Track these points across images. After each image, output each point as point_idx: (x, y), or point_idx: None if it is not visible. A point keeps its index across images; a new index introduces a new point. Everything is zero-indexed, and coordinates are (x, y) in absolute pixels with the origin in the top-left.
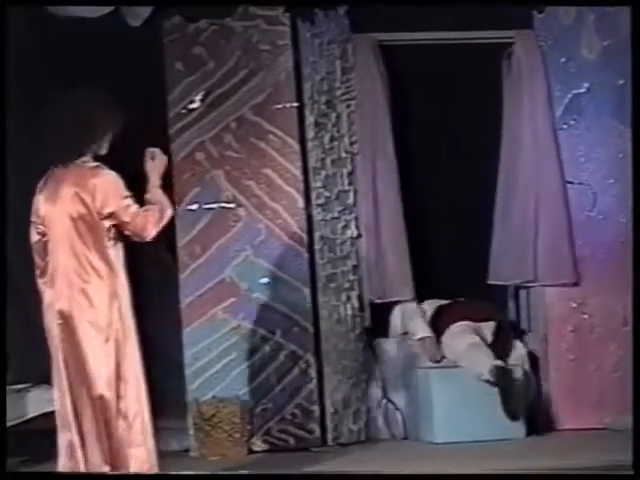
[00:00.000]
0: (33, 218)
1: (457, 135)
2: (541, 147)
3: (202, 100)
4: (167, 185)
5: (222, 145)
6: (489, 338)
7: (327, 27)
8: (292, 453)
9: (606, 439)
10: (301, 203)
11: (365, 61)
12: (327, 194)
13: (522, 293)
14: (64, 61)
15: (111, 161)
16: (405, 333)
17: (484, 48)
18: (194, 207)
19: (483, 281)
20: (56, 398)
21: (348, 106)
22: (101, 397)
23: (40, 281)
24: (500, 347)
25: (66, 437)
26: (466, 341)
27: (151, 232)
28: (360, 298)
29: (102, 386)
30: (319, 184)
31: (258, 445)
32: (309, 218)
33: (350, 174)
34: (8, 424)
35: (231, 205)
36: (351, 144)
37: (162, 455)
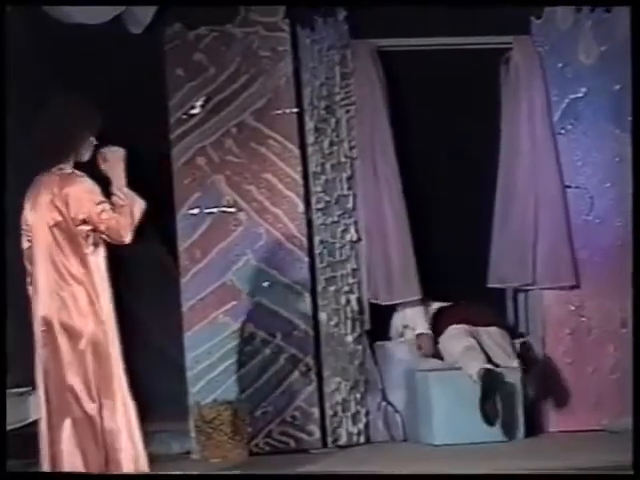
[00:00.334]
0: (23, 226)
1: (456, 140)
2: (539, 151)
3: (203, 106)
4: (168, 188)
5: (223, 150)
6: (487, 342)
7: (326, 33)
8: (292, 455)
9: (604, 440)
10: (301, 207)
11: (364, 66)
12: (327, 198)
13: (520, 296)
14: (65, 67)
15: None
16: (405, 326)
17: (482, 53)
18: (195, 211)
19: (483, 284)
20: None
21: (347, 111)
22: (80, 406)
23: (30, 288)
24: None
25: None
26: (462, 344)
27: (126, 236)
28: (360, 301)
29: (82, 395)
30: (319, 189)
31: (259, 447)
32: (309, 222)
33: (349, 179)
34: (11, 427)
35: (232, 209)
36: (350, 149)
37: (164, 458)
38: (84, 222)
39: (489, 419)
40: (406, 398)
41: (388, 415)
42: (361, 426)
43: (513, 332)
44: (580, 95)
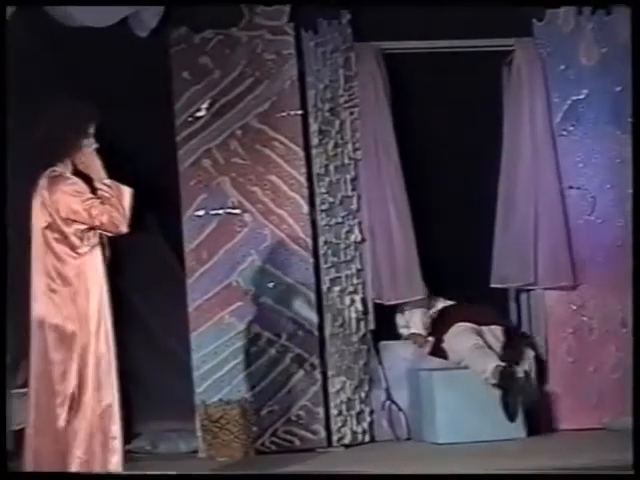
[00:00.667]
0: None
1: (458, 141)
2: (540, 153)
3: (208, 108)
4: (173, 190)
5: (228, 152)
6: (491, 341)
7: (330, 36)
8: (297, 454)
9: (605, 439)
10: (306, 209)
11: (368, 69)
12: (331, 200)
13: (523, 296)
14: (72, 70)
15: (118, 169)
16: (406, 326)
17: (485, 56)
18: (201, 213)
19: (485, 284)
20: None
21: (351, 113)
22: (67, 407)
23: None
24: (510, 352)
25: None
26: (469, 342)
27: (122, 226)
28: (364, 301)
29: (67, 398)
30: (323, 190)
31: (264, 446)
32: (313, 223)
33: (353, 180)
34: (16, 427)
35: (237, 211)
36: (354, 151)
37: (172, 457)
38: (75, 221)
39: (511, 415)
40: (410, 397)
41: (392, 414)
42: (365, 425)
43: (516, 331)
44: (582, 97)
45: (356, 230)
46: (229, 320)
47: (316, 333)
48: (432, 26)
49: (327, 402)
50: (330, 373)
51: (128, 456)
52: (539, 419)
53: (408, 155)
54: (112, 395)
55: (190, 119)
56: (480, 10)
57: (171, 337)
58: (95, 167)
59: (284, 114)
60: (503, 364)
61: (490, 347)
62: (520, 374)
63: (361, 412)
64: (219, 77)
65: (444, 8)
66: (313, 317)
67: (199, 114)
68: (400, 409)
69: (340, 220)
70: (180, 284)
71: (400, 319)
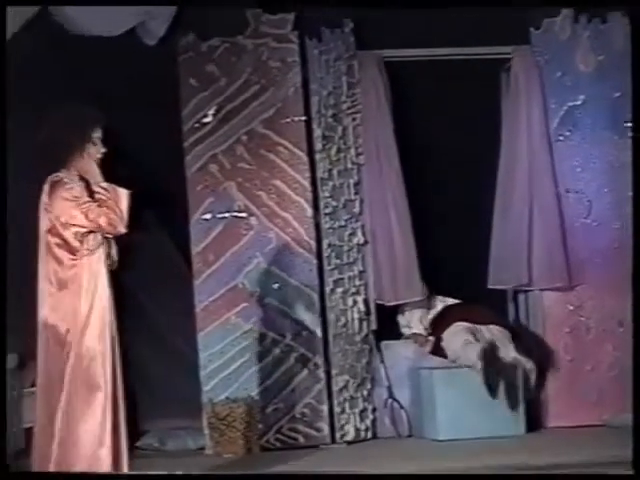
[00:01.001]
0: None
1: (457, 146)
2: (536, 158)
3: (215, 115)
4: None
5: (234, 157)
6: (488, 339)
7: (334, 44)
8: (302, 450)
9: (604, 436)
10: (310, 212)
11: (370, 76)
12: (334, 203)
13: (521, 296)
14: (80, 78)
15: (127, 174)
16: (406, 326)
17: (483, 63)
18: (208, 217)
19: (484, 285)
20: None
21: (354, 119)
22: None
23: None
24: (522, 350)
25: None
26: (461, 340)
27: (120, 227)
28: (366, 302)
29: (63, 395)
30: (327, 194)
31: (269, 443)
32: (317, 226)
33: (356, 184)
34: (26, 425)
35: (243, 214)
36: (357, 155)
37: (180, 453)
38: (74, 224)
39: (491, 388)
40: (411, 395)
41: (394, 411)
42: (368, 422)
43: (513, 331)
44: (578, 103)
45: (359, 233)
46: (235, 321)
47: (320, 333)
48: (432, 34)
49: (331, 400)
50: (333, 372)
51: (136, 453)
52: (538, 416)
53: (408, 160)
54: (107, 393)
55: (197, 125)
56: (479, 19)
57: (179, 337)
58: (92, 171)
59: (288, 120)
60: (487, 346)
61: (492, 346)
62: (506, 357)
63: (364, 410)
64: (225, 84)
65: (444, 17)
66: (317, 318)
67: (206, 120)
68: (402, 407)
69: (343, 223)
70: (188, 285)
71: (402, 319)
